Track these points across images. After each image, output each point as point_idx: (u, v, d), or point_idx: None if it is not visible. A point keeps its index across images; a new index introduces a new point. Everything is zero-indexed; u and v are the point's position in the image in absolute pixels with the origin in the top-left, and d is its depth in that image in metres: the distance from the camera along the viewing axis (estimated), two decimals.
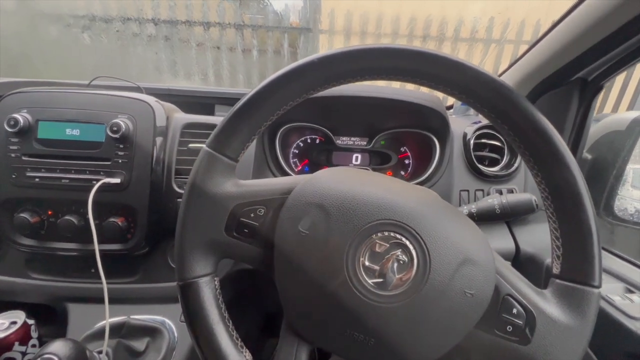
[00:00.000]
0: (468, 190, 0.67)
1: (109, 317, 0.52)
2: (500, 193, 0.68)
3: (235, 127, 0.34)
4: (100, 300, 0.53)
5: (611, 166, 0.76)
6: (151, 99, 0.61)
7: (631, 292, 0.54)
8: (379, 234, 0.31)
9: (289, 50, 2.26)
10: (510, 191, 0.69)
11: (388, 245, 0.31)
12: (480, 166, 0.67)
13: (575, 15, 0.64)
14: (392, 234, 0.31)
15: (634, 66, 0.65)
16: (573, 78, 0.70)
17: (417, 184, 0.68)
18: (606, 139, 0.78)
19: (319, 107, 0.68)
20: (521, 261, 0.62)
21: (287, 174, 0.68)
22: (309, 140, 0.76)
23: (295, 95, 0.35)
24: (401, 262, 0.31)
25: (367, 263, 0.31)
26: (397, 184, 0.37)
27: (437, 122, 0.68)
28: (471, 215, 0.47)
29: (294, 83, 0.34)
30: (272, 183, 0.37)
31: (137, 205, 0.59)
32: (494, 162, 0.71)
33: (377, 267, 0.31)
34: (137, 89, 0.95)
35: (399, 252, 0.31)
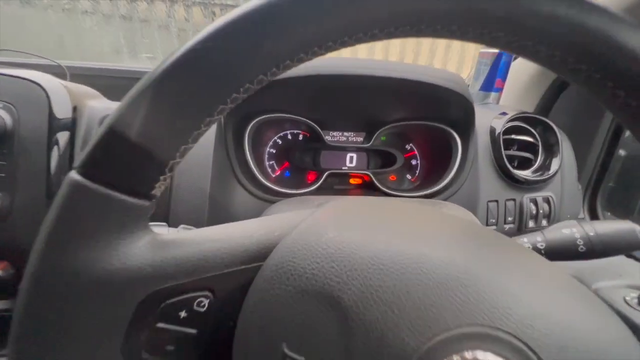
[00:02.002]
0: (497, 201, 0.52)
1: None
2: (546, 200, 0.54)
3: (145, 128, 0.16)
4: None
5: None
6: (47, 79, 0.40)
7: None
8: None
9: None
10: (546, 200, 0.55)
11: None
12: (513, 170, 0.52)
13: None
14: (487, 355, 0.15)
15: None
16: None
17: (432, 193, 0.53)
18: None
19: (302, 91, 0.50)
20: None
21: (260, 184, 0.50)
22: (289, 137, 0.57)
23: (266, 65, 0.16)
24: None
25: None
26: (461, 230, 0.20)
27: (458, 112, 0.52)
28: (538, 252, 0.32)
29: (265, 39, 0.16)
30: (226, 237, 0.19)
31: (26, 241, 0.38)
32: (523, 164, 0.57)
33: None
34: (57, 68, 0.72)
35: None
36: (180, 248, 0.18)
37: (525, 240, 0.33)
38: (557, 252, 0.31)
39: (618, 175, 0.65)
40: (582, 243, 0.30)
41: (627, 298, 0.48)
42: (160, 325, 0.17)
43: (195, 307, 0.17)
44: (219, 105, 0.17)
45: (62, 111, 0.39)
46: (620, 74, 0.16)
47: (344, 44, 0.17)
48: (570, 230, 0.31)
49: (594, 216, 0.65)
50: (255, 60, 0.16)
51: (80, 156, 0.16)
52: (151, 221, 0.37)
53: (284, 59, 0.17)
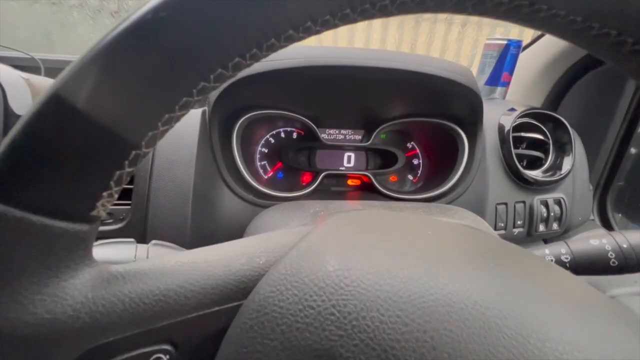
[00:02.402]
0: (506, 204, 0.49)
1: None
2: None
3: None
4: None
5: None
6: (3, 72, 0.35)
7: None
8: None
9: None
10: (557, 202, 0.51)
11: None
12: (524, 170, 0.48)
13: None
14: None
15: None
16: None
17: (436, 196, 0.49)
18: None
19: (295, 85, 0.46)
20: None
21: (250, 187, 0.46)
22: (282, 135, 0.53)
23: (244, 45, 0.12)
24: None
25: None
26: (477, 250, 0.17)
27: (465, 107, 0.48)
28: (562, 266, 0.28)
29: (243, 9, 0.12)
30: (194, 267, 0.15)
31: None
32: (532, 163, 0.53)
33: None
34: (30, 61, 0.67)
35: None
36: (131, 285, 0.13)
37: (547, 252, 0.29)
38: (585, 266, 0.27)
39: (629, 175, 0.62)
40: (614, 256, 0.27)
41: None
42: None
43: None
44: (182, 97, 0.13)
45: (21, 107, 0.35)
46: None
47: (346, 19, 0.13)
48: (600, 241, 0.27)
49: (604, 218, 0.62)
50: (228, 38, 0.12)
51: None
52: (125, 234, 0.32)
53: (267, 36, 0.12)
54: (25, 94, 0.35)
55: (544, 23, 0.13)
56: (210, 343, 0.13)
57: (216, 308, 0.14)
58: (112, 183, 0.13)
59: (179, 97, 0.12)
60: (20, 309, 0.12)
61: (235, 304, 0.14)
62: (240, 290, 0.14)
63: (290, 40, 0.13)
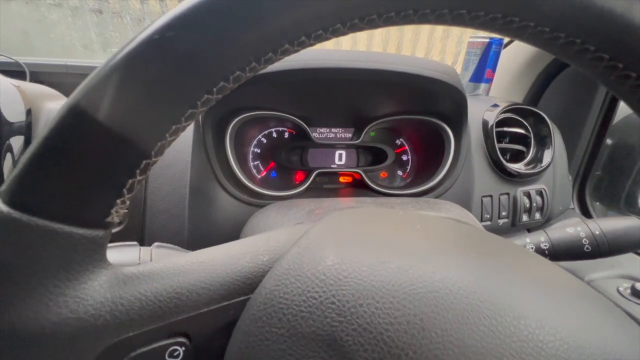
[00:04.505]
0: (491, 196, 0.51)
1: None
2: (539, 198, 0.53)
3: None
4: None
5: (637, 154, 0.65)
6: None
7: None
8: None
9: None
10: (539, 193, 0.54)
11: None
12: (507, 164, 0.50)
13: None
14: None
15: None
16: None
17: (425, 190, 0.51)
18: (630, 121, 0.66)
19: (286, 86, 0.47)
20: None
21: (245, 187, 0.47)
22: (274, 135, 0.54)
23: (244, 59, 0.13)
24: None
25: None
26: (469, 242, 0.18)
27: (451, 105, 0.49)
28: (542, 253, 0.30)
29: (242, 26, 0.13)
30: (203, 266, 0.16)
31: None
32: (515, 156, 0.56)
33: None
34: (15, 65, 0.66)
35: None
36: (146, 284, 0.14)
37: (528, 240, 0.31)
38: (562, 253, 0.30)
39: (605, 165, 0.65)
40: (587, 242, 0.29)
41: (621, 289, 0.48)
42: None
43: (167, 358, 0.14)
44: (187, 109, 0.14)
45: (14, 114, 0.35)
46: (633, 54, 0.14)
47: (336, 33, 0.14)
48: (575, 229, 0.30)
49: (583, 206, 0.65)
50: (229, 54, 0.13)
51: (8, 179, 0.13)
52: (123, 237, 0.33)
53: (265, 51, 0.14)
54: (18, 101, 0.36)
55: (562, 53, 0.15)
56: (222, 334, 0.14)
57: (225, 303, 0.15)
58: (124, 191, 0.14)
59: (185, 109, 0.14)
60: (46, 309, 0.13)
61: (242, 298, 0.15)
62: (246, 286, 0.15)
63: (287, 53, 0.14)
